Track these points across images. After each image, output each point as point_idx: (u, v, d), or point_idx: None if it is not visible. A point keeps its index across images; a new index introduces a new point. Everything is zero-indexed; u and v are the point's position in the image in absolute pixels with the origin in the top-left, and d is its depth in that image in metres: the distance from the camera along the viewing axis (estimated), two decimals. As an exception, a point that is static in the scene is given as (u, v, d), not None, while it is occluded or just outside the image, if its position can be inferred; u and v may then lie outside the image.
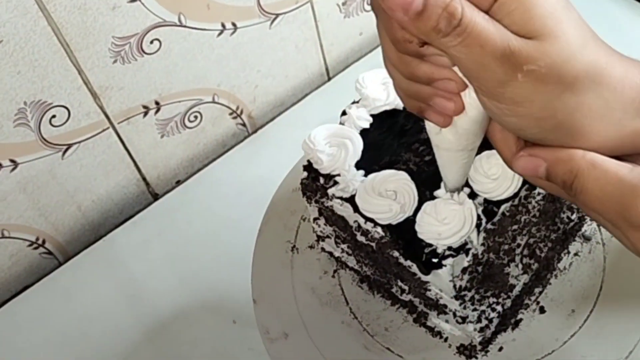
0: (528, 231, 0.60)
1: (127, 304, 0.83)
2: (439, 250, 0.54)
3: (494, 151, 0.56)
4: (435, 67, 0.41)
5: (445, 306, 0.59)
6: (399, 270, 0.59)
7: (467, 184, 0.56)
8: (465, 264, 0.55)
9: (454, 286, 0.55)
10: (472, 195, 0.56)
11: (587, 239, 0.67)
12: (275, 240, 0.72)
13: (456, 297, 0.56)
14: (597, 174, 0.39)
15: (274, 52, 0.93)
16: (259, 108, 0.96)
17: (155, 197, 0.94)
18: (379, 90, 0.63)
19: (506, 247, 0.59)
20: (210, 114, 0.92)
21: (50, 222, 0.87)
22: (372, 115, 0.63)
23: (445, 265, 0.54)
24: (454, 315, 0.59)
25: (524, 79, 0.38)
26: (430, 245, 0.54)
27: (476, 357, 0.62)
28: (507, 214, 0.56)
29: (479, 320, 0.60)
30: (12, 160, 0.79)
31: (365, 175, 0.58)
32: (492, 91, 0.39)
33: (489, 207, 0.56)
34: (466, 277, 0.56)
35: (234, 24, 0.87)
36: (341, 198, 0.59)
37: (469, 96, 0.41)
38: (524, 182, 0.56)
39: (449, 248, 0.54)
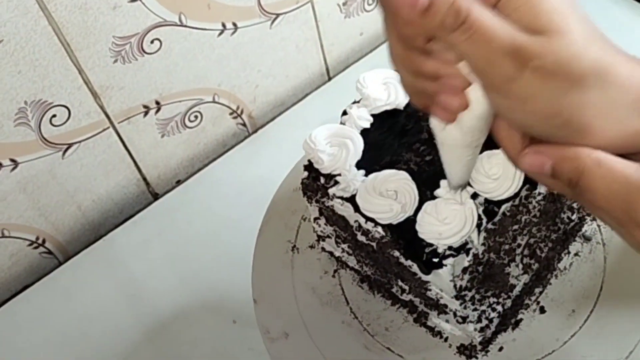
0: (529, 231, 0.60)
1: (127, 304, 0.83)
2: (440, 250, 0.54)
3: (495, 151, 0.56)
4: (441, 63, 0.41)
5: (446, 306, 0.59)
6: (399, 270, 0.59)
7: (468, 184, 0.56)
8: (466, 264, 0.55)
9: (455, 286, 0.55)
10: (473, 195, 0.56)
11: (587, 239, 0.67)
12: (275, 240, 0.72)
13: (456, 297, 0.56)
14: (603, 172, 0.39)
15: (274, 52, 0.93)
16: (259, 108, 0.96)
17: (156, 196, 0.94)
18: (379, 90, 0.63)
19: (507, 247, 0.59)
20: (211, 113, 0.92)
21: (51, 221, 0.87)
22: (372, 115, 0.63)
23: (445, 265, 0.54)
24: (455, 315, 0.59)
25: (530, 75, 0.38)
26: (431, 245, 0.54)
27: (476, 357, 0.62)
28: (508, 213, 0.56)
29: (479, 320, 0.60)
30: (12, 160, 0.79)
31: (366, 175, 0.58)
32: (499, 87, 0.39)
33: (490, 207, 0.56)
34: (467, 277, 0.56)
35: (234, 24, 0.87)
36: (342, 198, 0.59)
37: (475, 93, 0.41)
38: (525, 182, 0.56)
39: (450, 248, 0.54)
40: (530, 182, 0.57)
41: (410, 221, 0.55)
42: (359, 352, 0.64)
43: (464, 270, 0.55)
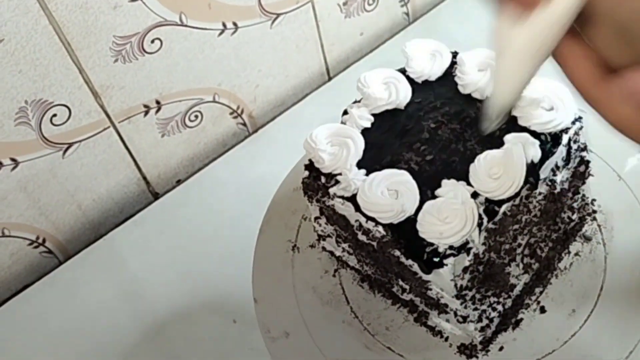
0: (529, 231, 0.60)
1: (128, 303, 0.83)
2: (440, 250, 0.54)
3: (495, 151, 0.57)
4: None
5: (446, 305, 0.59)
6: (400, 269, 0.59)
7: (468, 183, 0.56)
8: (467, 264, 0.55)
9: (455, 285, 0.55)
10: (474, 194, 0.56)
11: (587, 239, 0.67)
12: (276, 239, 0.72)
13: (457, 297, 0.56)
14: None
15: (274, 51, 0.93)
16: (259, 107, 0.96)
17: (156, 196, 0.94)
18: (380, 89, 0.63)
19: (507, 246, 0.59)
20: (211, 113, 0.92)
21: (51, 221, 0.87)
22: (373, 115, 0.63)
23: (446, 265, 0.54)
24: (455, 314, 0.59)
25: None
26: (432, 244, 0.54)
27: (477, 357, 0.62)
28: (509, 213, 0.56)
29: (479, 320, 0.60)
30: (12, 159, 0.79)
31: (367, 175, 0.58)
32: None
33: (490, 207, 0.56)
34: (467, 276, 0.56)
35: (235, 24, 0.87)
36: (342, 197, 0.59)
37: None
38: (525, 182, 0.56)
39: (451, 247, 0.54)
40: (530, 182, 0.57)
41: (411, 221, 0.55)
42: (359, 351, 0.64)
43: (465, 269, 0.55)
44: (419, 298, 0.62)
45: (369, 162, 0.60)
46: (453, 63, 0.65)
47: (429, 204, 0.55)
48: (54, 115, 0.79)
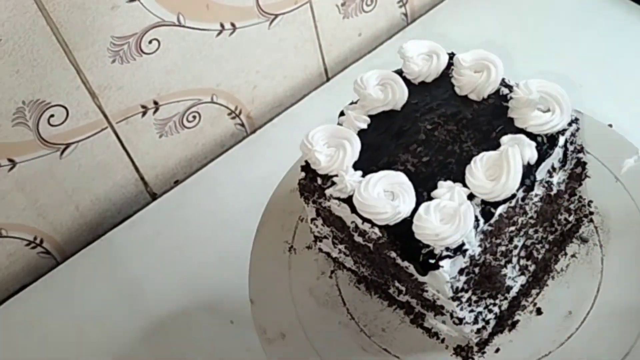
0: (525, 233, 0.60)
1: (125, 304, 0.83)
2: (436, 251, 0.54)
3: (491, 152, 0.56)
4: None
5: (442, 307, 0.59)
6: (396, 271, 0.59)
7: (465, 185, 0.56)
8: (463, 265, 0.55)
9: (451, 287, 0.55)
10: (470, 196, 0.56)
11: (584, 240, 0.67)
12: (273, 240, 0.71)
13: (453, 298, 0.56)
14: None
15: (272, 52, 0.93)
16: (257, 108, 0.96)
17: (154, 197, 0.94)
18: (377, 91, 0.63)
19: (503, 248, 0.59)
20: (209, 114, 0.92)
21: (49, 221, 0.87)
22: (370, 116, 0.63)
23: (442, 266, 0.54)
24: (451, 316, 0.59)
25: None
26: (428, 246, 0.54)
27: (473, 359, 0.62)
28: (505, 215, 0.56)
29: (475, 322, 0.60)
30: (10, 160, 0.79)
31: (363, 176, 0.58)
32: None
33: (486, 209, 0.56)
34: (463, 278, 0.56)
35: (233, 24, 0.87)
36: (339, 199, 0.59)
37: None
38: (522, 184, 0.56)
39: (447, 249, 0.54)
40: (527, 184, 0.57)
41: (407, 222, 0.55)
42: (355, 353, 0.64)
43: (461, 271, 0.55)
44: (415, 300, 0.62)
45: (365, 164, 0.60)
46: (450, 64, 0.65)
47: (425, 205, 0.55)
48: (52, 115, 0.79)
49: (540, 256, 0.64)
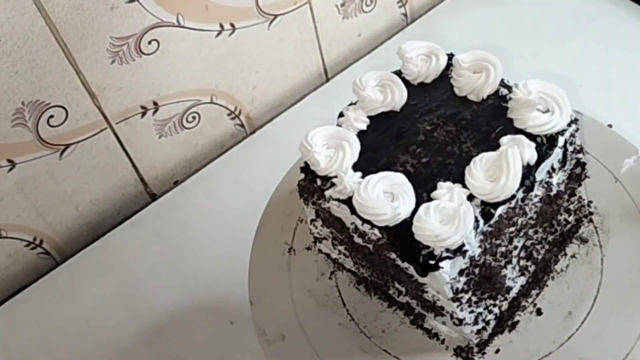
0: (525, 233, 0.60)
1: (125, 305, 0.83)
2: (436, 252, 0.54)
3: (491, 153, 0.56)
4: None
5: (442, 308, 0.59)
6: (395, 272, 0.59)
7: (464, 186, 0.56)
8: (463, 266, 0.55)
9: (451, 288, 0.55)
10: (469, 196, 0.56)
11: (584, 241, 0.67)
12: (272, 241, 0.71)
13: (453, 299, 0.56)
14: None
15: (272, 52, 0.93)
16: (257, 109, 0.96)
17: (153, 197, 0.94)
18: (376, 92, 0.63)
19: (503, 249, 0.59)
20: (209, 114, 0.92)
21: (48, 222, 0.87)
22: (369, 117, 0.63)
23: (442, 267, 0.54)
24: (451, 317, 0.59)
25: None
26: (427, 247, 0.54)
27: (473, 359, 0.62)
28: (505, 216, 0.56)
29: (475, 322, 0.60)
30: (9, 160, 0.79)
31: (362, 177, 0.58)
32: None
33: (486, 209, 0.55)
34: (463, 279, 0.56)
35: (232, 25, 0.87)
36: (338, 200, 0.59)
37: None
38: (521, 184, 0.56)
39: (446, 250, 0.54)
40: (526, 184, 0.57)
41: (407, 223, 0.55)
42: (355, 354, 0.63)
43: (461, 272, 0.55)
44: (415, 300, 0.62)
45: (365, 165, 0.59)
46: (449, 65, 0.65)
47: (424, 206, 0.55)
48: (51, 116, 0.79)
49: (540, 257, 0.64)
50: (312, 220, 0.66)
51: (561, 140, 0.59)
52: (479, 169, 0.56)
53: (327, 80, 1.01)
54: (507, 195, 0.55)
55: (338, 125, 0.63)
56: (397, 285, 0.62)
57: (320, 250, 0.69)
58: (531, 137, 0.58)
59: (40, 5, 0.71)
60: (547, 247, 0.64)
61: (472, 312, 0.59)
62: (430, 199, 0.56)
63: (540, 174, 0.58)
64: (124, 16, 0.77)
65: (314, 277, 0.69)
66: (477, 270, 0.57)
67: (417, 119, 0.62)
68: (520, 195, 0.57)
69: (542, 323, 0.63)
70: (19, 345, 0.81)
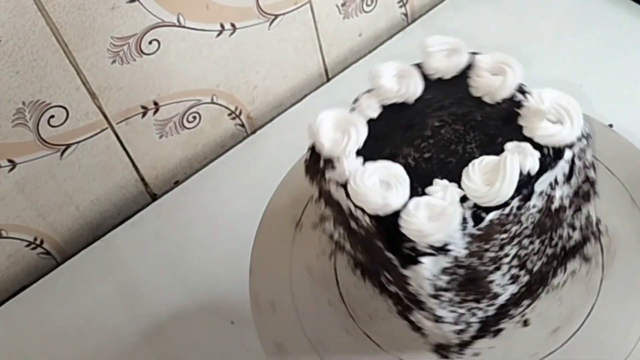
0: (519, 242, 0.59)
1: (125, 305, 0.83)
2: (419, 247, 0.54)
3: (491, 157, 0.56)
4: None
5: (423, 303, 0.58)
6: (384, 260, 0.59)
7: (459, 186, 0.56)
8: (446, 265, 0.54)
9: (433, 285, 0.55)
10: (464, 198, 0.55)
11: (587, 259, 0.65)
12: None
13: (433, 296, 0.56)
14: None
15: (273, 52, 0.93)
16: (257, 109, 0.97)
17: (154, 197, 0.94)
18: (392, 81, 0.63)
19: (492, 254, 0.57)
20: (209, 114, 0.92)
21: (49, 222, 0.87)
22: (382, 106, 0.62)
23: (422, 262, 0.53)
24: (431, 313, 0.59)
25: None
26: (412, 240, 0.54)
27: (449, 358, 0.61)
28: (496, 222, 0.55)
29: (456, 323, 0.59)
30: (10, 160, 0.79)
31: (363, 164, 0.58)
32: None
33: (478, 212, 0.55)
34: (445, 277, 0.55)
35: (233, 25, 0.87)
36: (337, 183, 0.58)
37: None
38: (518, 193, 0.55)
39: (430, 247, 0.53)
40: (523, 193, 0.56)
41: (397, 215, 0.55)
42: (339, 334, 0.63)
43: (444, 270, 0.55)
44: (401, 292, 0.61)
45: (368, 152, 0.59)
46: (471, 64, 0.64)
47: (415, 201, 0.54)
48: (52, 116, 0.79)
49: (535, 268, 0.62)
50: (315, 200, 0.65)
51: (568, 154, 0.57)
52: (477, 171, 0.55)
53: (328, 80, 1.01)
54: (500, 201, 0.54)
55: (352, 109, 0.63)
56: (385, 273, 0.62)
57: (324, 230, 0.69)
58: (538, 146, 0.57)
59: (41, 5, 0.72)
60: (544, 259, 0.63)
61: (453, 311, 0.58)
62: (425, 194, 0.56)
63: (541, 185, 0.57)
64: (124, 16, 0.77)
65: (314, 255, 0.69)
66: (462, 272, 0.56)
67: (427, 113, 0.61)
68: (516, 203, 0.55)
69: (527, 334, 0.61)
70: (19, 345, 0.81)
